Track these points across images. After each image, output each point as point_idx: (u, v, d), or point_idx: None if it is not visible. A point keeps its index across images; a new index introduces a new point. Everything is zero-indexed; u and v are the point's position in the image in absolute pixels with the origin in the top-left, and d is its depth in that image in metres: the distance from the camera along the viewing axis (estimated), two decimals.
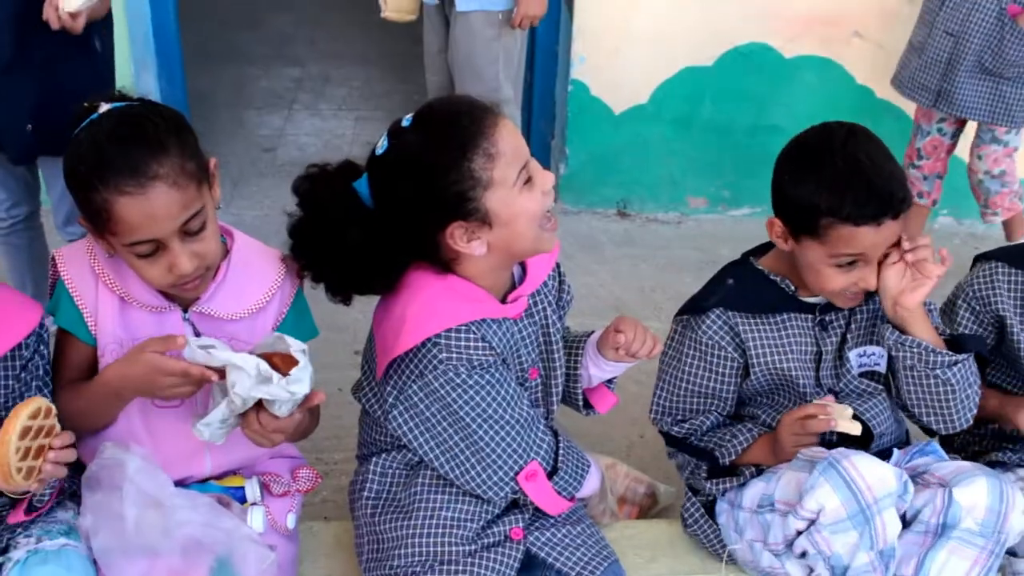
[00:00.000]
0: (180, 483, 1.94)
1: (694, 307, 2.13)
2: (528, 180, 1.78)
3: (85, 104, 1.80)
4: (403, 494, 1.96)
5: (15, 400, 1.81)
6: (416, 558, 1.91)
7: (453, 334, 1.81)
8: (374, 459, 2.01)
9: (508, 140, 1.75)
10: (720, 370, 2.10)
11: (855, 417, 2.01)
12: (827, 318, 2.09)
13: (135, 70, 3.79)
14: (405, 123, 1.77)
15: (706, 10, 3.98)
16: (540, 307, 1.99)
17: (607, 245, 4.05)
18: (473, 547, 1.92)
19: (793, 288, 2.08)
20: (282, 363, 1.73)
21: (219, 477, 2.02)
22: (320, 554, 2.18)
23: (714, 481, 2.13)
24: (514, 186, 1.75)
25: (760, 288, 2.10)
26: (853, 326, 2.11)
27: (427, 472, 1.95)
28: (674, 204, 4.32)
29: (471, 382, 1.82)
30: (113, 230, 1.72)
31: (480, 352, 1.82)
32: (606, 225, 4.19)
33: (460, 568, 1.90)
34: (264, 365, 1.69)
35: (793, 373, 2.08)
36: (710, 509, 2.17)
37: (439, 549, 1.91)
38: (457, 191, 1.73)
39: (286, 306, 1.97)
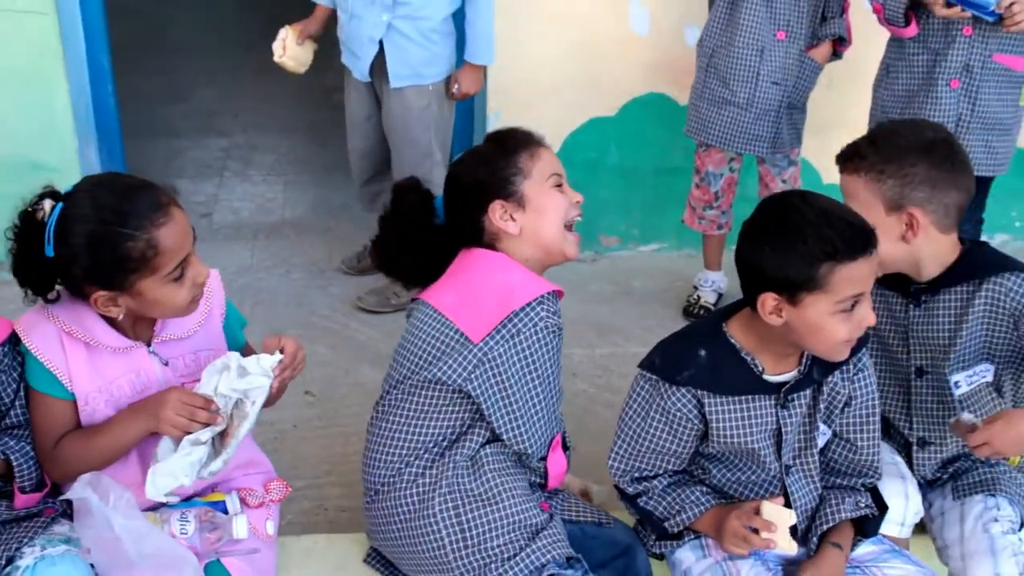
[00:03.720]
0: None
1: (665, 373, 2.13)
2: (559, 186, 2.20)
3: (27, 209, 1.93)
4: (474, 484, 2.17)
5: None
6: (517, 533, 2.14)
7: (552, 298, 2.16)
8: (435, 460, 2.19)
9: (549, 154, 2.27)
10: (683, 436, 2.15)
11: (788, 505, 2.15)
12: (790, 398, 2.13)
13: (79, 145, 3.98)
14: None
15: (607, 65, 4.21)
16: None
17: None
18: (549, 514, 2.20)
19: (761, 368, 2.11)
20: None
21: (201, 494, 2.18)
22: (292, 564, 2.36)
23: (661, 543, 2.26)
24: (547, 182, 2.19)
25: (730, 366, 2.10)
26: (821, 406, 2.16)
27: (488, 460, 2.19)
28: (589, 243, 4.42)
29: (552, 345, 2.15)
30: (157, 266, 1.91)
31: (559, 319, 2.16)
32: None
33: (551, 531, 2.15)
34: (238, 356, 1.97)
35: (752, 447, 2.13)
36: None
37: (532, 521, 2.16)
38: (503, 175, 2.21)
39: (222, 306, 2.20)
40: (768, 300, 2.00)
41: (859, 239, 1.96)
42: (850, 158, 2.26)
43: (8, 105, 3.90)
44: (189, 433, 1.96)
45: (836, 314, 1.97)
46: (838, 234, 1.94)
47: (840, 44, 3.70)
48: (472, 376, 2.13)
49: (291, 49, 3.72)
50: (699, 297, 4.08)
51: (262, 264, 4.37)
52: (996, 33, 3.17)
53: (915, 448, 2.40)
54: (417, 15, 3.45)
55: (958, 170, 2.22)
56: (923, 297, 2.30)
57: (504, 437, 2.16)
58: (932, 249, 2.24)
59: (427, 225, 2.27)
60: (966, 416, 2.13)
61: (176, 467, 1.95)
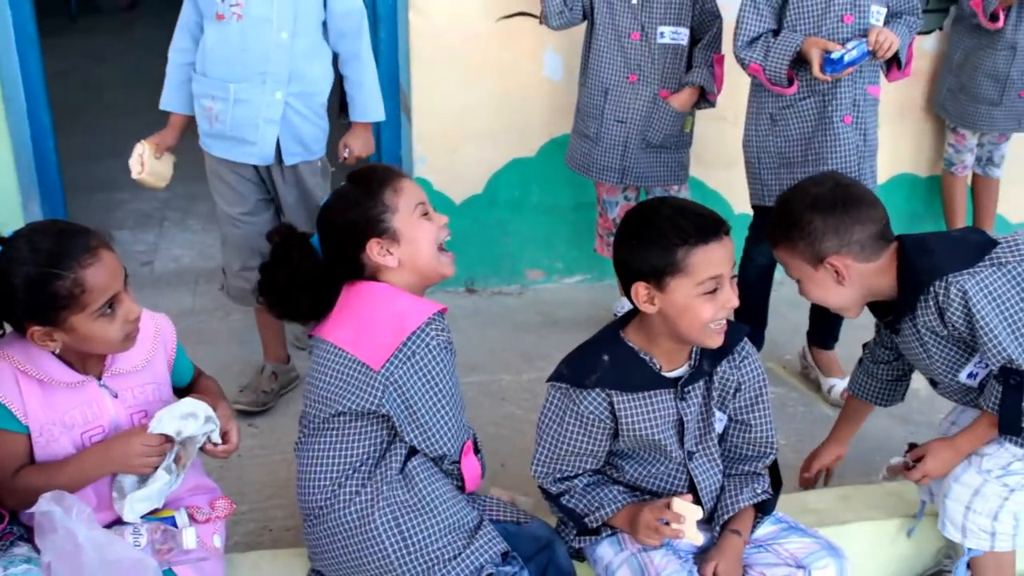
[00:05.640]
0: (120, 519, 2.25)
1: (575, 380, 2.34)
2: (426, 214, 2.36)
3: None
4: (409, 496, 2.33)
5: None
6: (455, 535, 2.33)
7: (439, 317, 2.31)
8: (367, 479, 2.34)
9: (410, 185, 2.42)
10: (597, 435, 2.36)
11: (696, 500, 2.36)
12: (686, 390, 2.35)
13: (23, 200, 4.12)
14: (344, 183, 2.37)
15: (525, 109, 4.40)
16: None
17: (459, 318, 4.31)
18: (477, 512, 2.40)
19: (659, 366, 2.34)
20: None
21: (151, 512, 2.29)
22: None
23: (581, 537, 2.45)
24: (414, 212, 2.34)
25: (632, 366, 2.32)
26: (715, 394, 2.39)
27: (417, 471, 2.34)
28: (515, 277, 4.67)
29: (446, 360, 2.31)
30: (85, 303, 2.05)
31: (449, 335, 2.32)
32: (457, 301, 4.49)
33: (485, 531, 2.35)
34: (206, 407, 2.23)
35: (657, 439, 2.34)
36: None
37: (466, 521, 2.36)
38: (372, 215, 2.35)
39: (172, 346, 2.37)
40: (640, 289, 2.24)
41: (709, 225, 2.21)
42: (769, 238, 2.50)
43: None
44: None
45: (700, 296, 2.20)
46: (690, 223, 2.20)
47: (708, 92, 3.89)
48: (382, 401, 2.30)
49: (149, 164, 3.46)
50: None
51: (204, 308, 4.49)
52: (867, 67, 3.47)
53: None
54: (311, 91, 3.43)
55: (852, 208, 2.43)
56: (896, 326, 2.56)
57: (419, 447, 2.35)
58: (871, 279, 2.48)
59: (314, 265, 2.40)
60: (894, 460, 2.45)
61: (152, 492, 2.22)
